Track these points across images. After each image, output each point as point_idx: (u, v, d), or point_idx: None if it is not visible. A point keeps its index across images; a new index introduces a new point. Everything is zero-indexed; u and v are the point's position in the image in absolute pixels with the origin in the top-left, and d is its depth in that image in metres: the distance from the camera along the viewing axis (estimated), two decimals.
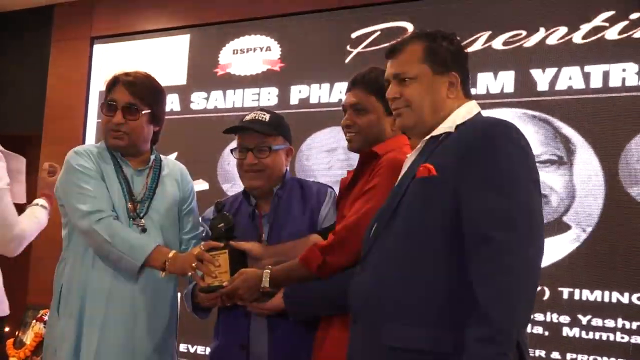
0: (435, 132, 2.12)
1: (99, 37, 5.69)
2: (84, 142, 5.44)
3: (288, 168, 2.90)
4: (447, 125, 2.10)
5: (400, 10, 4.54)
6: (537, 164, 2.05)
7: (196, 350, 4.89)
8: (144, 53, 5.43)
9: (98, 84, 5.58)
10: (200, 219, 3.04)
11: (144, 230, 2.81)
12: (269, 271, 2.58)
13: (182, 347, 4.80)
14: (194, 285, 2.80)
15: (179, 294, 2.96)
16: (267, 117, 2.81)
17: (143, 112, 2.86)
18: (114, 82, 2.89)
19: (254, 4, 5.08)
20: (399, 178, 2.21)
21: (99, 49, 5.70)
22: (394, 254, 2.05)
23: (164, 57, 5.33)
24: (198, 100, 5.22)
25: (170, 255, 2.70)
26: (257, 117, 2.80)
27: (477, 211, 1.90)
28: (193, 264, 2.63)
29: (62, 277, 2.84)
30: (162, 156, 3.04)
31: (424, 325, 1.94)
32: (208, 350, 4.62)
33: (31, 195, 5.79)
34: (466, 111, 2.14)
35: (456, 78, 2.15)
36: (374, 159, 2.54)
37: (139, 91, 2.86)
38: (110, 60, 5.59)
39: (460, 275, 1.91)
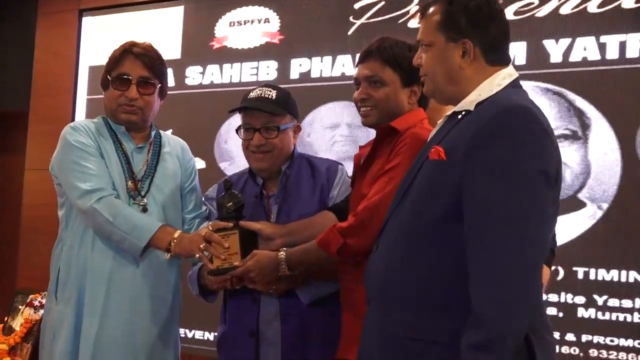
0: (457, 108, 2.03)
1: (88, 10, 5.56)
2: (73, 120, 5.35)
3: (296, 145, 2.84)
4: (470, 100, 1.99)
5: None
6: None
7: (194, 335, 4.81)
8: (136, 26, 5.30)
9: (87, 59, 5.49)
10: (202, 197, 2.98)
11: (145, 209, 2.75)
12: (284, 254, 2.50)
13: (180, 332, 4.71)
14: (200, 267, 2.72)
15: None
16: (273, 94, 2.72)
17: (157, 86, 2.82)
18: (124, 53, 2.81)
19: None
20: (417, 156, 2.14)
21: (87, 22, 5.57)
22: (401, 235, 2.01)
23: (156, 30, 5.18)
24: (193, 75, 5.12)
25: (176, 235, 2.65)
26: (263, 95, 2.72)
27: (476, 203, 1.83)
28: (201, 245, 2.56)
29: (60, 259, 2.78)
30: (162, 132, 2.99)
31: (423, 313, 1.91)
32: (207, 335, 4.69)
33: (16, 177, 5.73)
34: (496, 83, 2.01)
35: (470, 46, 2.01)
36: (393, 135, 2.44)
37: (152, 64, 2.81)
38: (100, 33, 5.48)
39: (462, 265, 1.85)
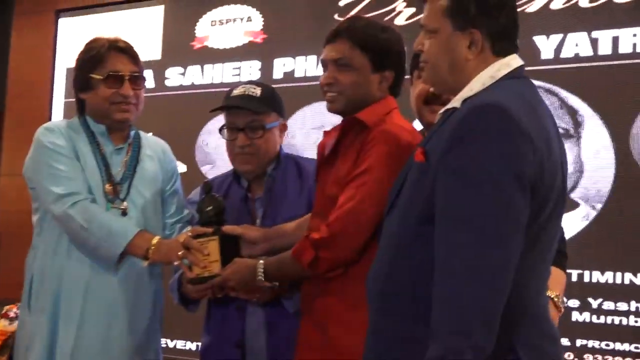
0: (448, 105, 1.91)
1: (65, 10, 5.52)
2: None
3: (282, 145, 2.76)
4: (460, 97, 1.87)
5: None
6: None
7: (175, 345, 4.74)
8: (114, 26, 5.19)
9: (64, 61, 5.42)
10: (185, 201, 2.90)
11: (124, 213, 2.68)
12: (262, 262, 2.36)
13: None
14: (181, 275, 2.62)
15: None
16: (258, 91, 2.64)
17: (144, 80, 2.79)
18: (109, 50, 2.72)
19: None
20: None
21: (64, 23, 5.52)
22: (390, 240, 1.91)
23: (136, 31, 5.07)
24: (173, 76, 5.07)
25: (154, 241, 2.58)
26: (247, 92, 2.63)
27: (439, 206, 1.72)
28: (179, 253, 2.47)
29: (33, 267, 2.70)
30: (141, 132, 2.89)
31: (407, 321, 1.82)
32: (189, 345, 4.62)
33: None
34: (489, 75, 1.86)
35: (478, 36, 1.87)
36: (359, 128, 2.30)
37: (136, 58, 2.76)
38: (77, 34, 5.34)
39: None
